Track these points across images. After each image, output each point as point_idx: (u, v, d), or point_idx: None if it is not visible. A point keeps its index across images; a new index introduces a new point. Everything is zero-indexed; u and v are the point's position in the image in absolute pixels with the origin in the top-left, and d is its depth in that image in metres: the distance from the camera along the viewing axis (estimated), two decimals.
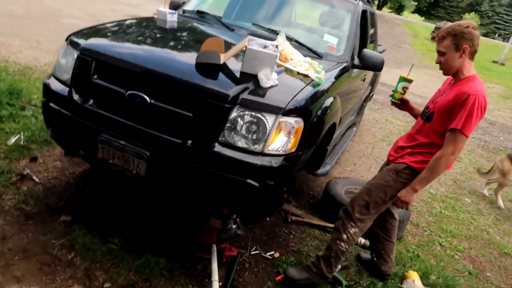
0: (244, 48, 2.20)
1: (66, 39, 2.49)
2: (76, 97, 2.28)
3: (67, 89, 2.33)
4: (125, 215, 2.78)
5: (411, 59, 16.64)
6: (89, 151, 2.32)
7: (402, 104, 2.61)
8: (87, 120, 2.25)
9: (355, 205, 2.47)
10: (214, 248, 2.44)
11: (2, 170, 2.91)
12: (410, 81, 2.52)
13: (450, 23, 2.32)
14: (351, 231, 2.46)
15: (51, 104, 2.40)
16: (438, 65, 2.31)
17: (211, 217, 2.48)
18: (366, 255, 2.96)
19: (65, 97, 2.31)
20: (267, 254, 2.78)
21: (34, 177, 2.94)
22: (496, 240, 3.86)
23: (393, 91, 2.59)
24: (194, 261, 2.50)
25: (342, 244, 2.48)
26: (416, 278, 2.83)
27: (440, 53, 2.26)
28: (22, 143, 3.32)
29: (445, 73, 2.33)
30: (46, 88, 2.43)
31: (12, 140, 3.31)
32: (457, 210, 4.30)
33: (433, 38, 2.43)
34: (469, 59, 2.22)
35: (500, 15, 61.95)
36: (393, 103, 2.63)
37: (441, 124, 2.23)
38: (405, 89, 2.53)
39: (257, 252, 2.78)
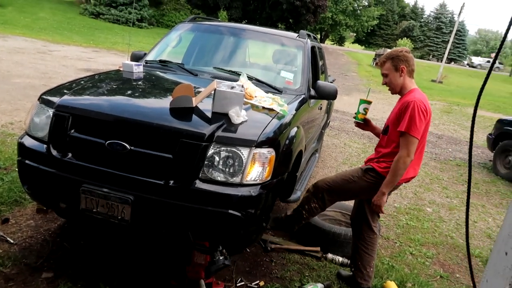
0: (213, 91, 2.38)
1: (39, 99, 2.56)
2: (54, 152, 2.34)
3: (45, 145, 2.38)
4: (108, 263, 2.79)
5: (358, 85, 17.64)
6: (71, 203, 2.36)
7: (365, 124, 2.95)
8: (68, 173, 2.29)
9: (319, 186, 2.83)
10: (202, 282, 2.49)
11: None
12: (369, 102, 2.88)
13: (388, 50, 2.78)
14: (312, 205, 2.85)
15: (28, 162, 2.43)
16: (384, 88, 2.76)
17: (195, 254, 2.55)
18: (346, 272, 3.11)
19: (43, 153, 2.36)
20: (253, 284, 2.85)
21: (8, 239, 2.88)
22: (460, 243, 4.14)
23: (355, 113, 2.90)
24: None
25: (304, 212, 2.91)
26: (394, 287, 3.01)
27: (384, 75, 2.70)
28: None
29: (392, 92, 2.73)
30: (22, 146, 2.46)
31: None
32: (421, 220, 4.57)
33: (376, 64, 2.87)
34: (409, 77, 2.66)
35: (431, 38, 67.45)
36: (357, 124, 2.96)
37: (396, 133, 2.58)
38: (366, 110, 2.88)
39: (242, 283, 2.85)
